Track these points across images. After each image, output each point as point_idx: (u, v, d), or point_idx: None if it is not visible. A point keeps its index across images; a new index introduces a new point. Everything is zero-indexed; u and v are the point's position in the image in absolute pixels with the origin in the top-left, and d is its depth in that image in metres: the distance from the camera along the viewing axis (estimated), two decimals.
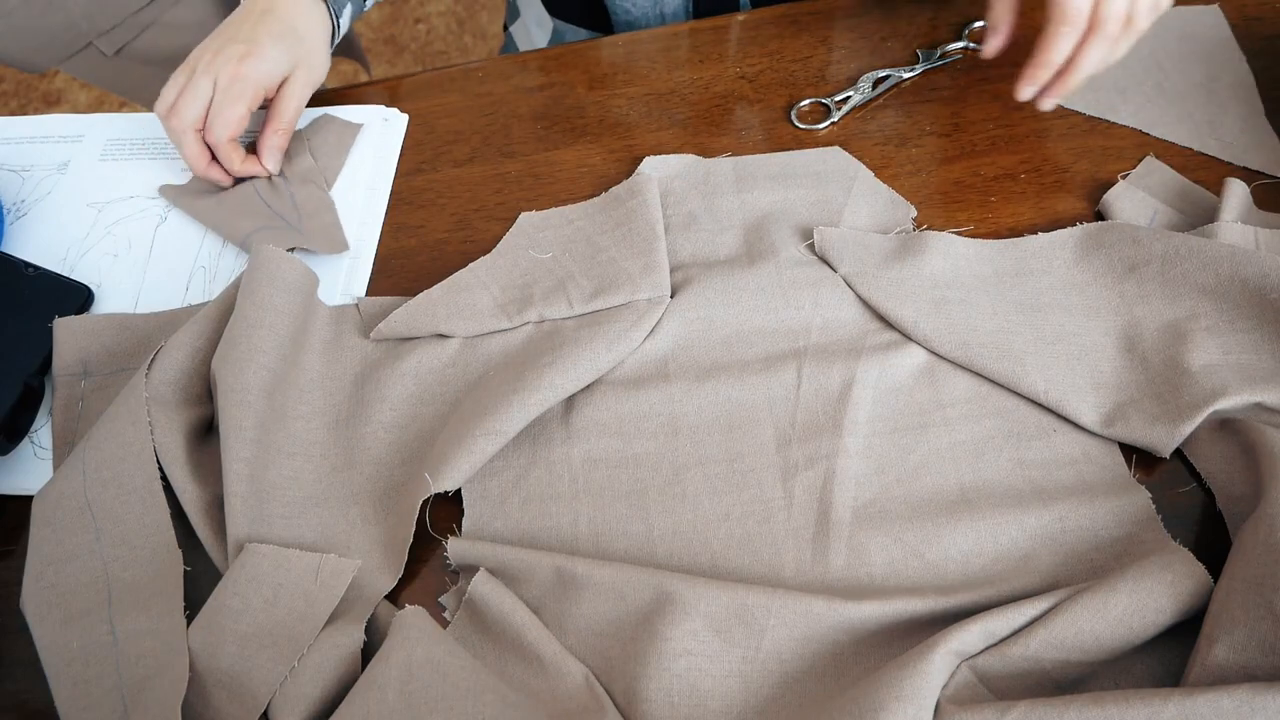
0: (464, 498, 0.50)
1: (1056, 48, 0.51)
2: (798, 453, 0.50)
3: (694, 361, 0.53)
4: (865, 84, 0.64)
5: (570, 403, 0.52)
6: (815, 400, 0.51)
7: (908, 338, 0.52)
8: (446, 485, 0.48)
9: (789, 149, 0.62)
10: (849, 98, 0.64)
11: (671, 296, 0.55)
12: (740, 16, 0.70)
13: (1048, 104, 0.55)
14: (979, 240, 0.55)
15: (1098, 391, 0.49)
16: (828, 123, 0.63)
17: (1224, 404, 0.46)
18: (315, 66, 0.61)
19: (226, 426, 0.48)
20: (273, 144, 0.60)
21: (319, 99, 0.69)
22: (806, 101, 0.65)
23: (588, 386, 0.52)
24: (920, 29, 0.67)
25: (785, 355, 0.53)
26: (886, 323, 0.53)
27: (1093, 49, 0.51)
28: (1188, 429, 0.46)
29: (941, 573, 0.45)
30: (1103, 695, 0.37)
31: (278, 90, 0.60)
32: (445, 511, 0.50)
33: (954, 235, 0.55)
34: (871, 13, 0.68)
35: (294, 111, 0.60)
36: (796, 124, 0.63)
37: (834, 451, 0.49)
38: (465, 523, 0.50)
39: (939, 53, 0.65)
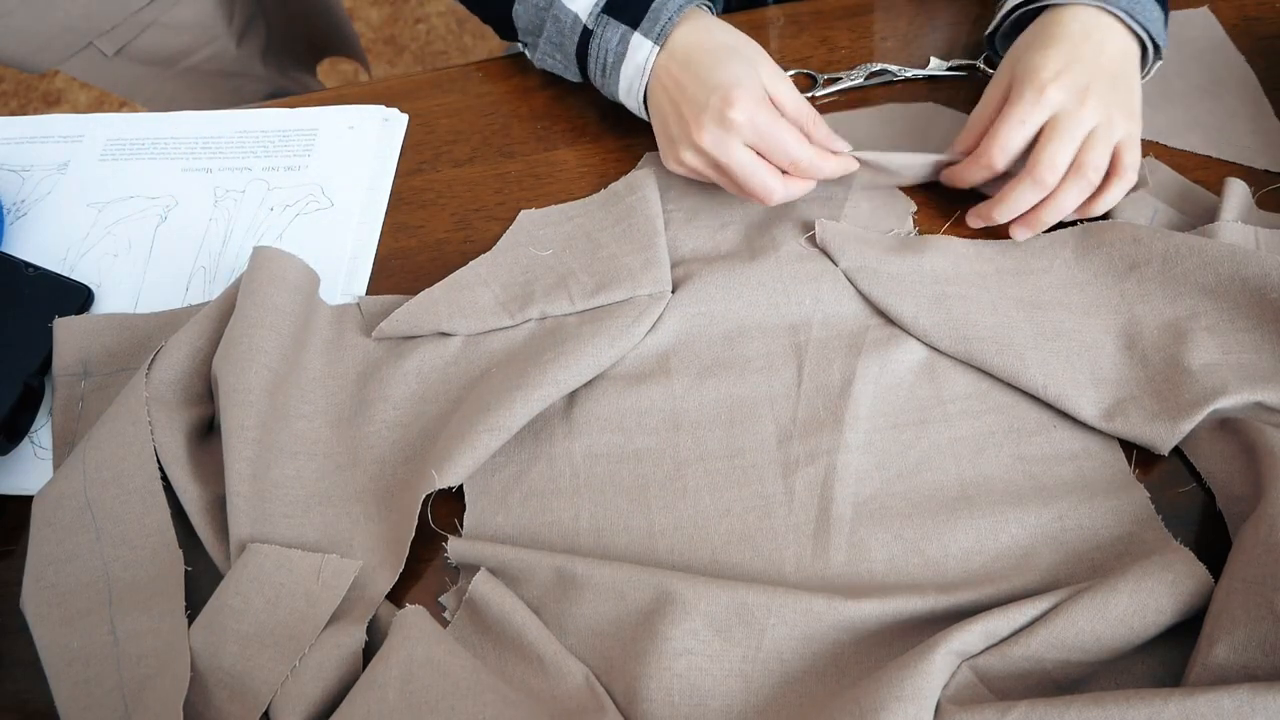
0: (466, 494, 0.50)
1: (1020, 200, 0.52)
2: (799, 448, 0.50)
3: (695, 357, 0.53)
4: (859, 74, 0.64)
5: (572, 398, 0.53)
6: (816, 396, 0.51)
7: (908, 333, 0.52)
8: (449, 481, 0.48)
9: None
10: (839, 79, 0.64)
11: (673, 292, 0.55)
12: (741, 16, 0.70)
13: (1021, 235, 0.55)
14: (980, 240, 0.55)
15: (1098, 387, 0.49)
16: (809, 94, 0.63)
17: (1224, 403, 0.46)
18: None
19: (228, 426, 0.48)
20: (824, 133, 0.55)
21: (318, 99, 0.69)
22: (792, 72, 0.65)
23: (589, 382, 0.52)
24: (920, 29, 0.67)
25: (786, 350, 0.53)
26: (887, 318, 0.53)
27: (1068, 200, 0.52)
28: (1187, 427, 0.46)
29: (942, 570, 0.46)
30: (1103, 695, 0.38)
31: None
32: (447, 508, 0.50)
33: (954, 237, 0.55)
34: (874, 13, 0.68)
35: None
36: None
37: (835, 447, 0.49)
38: (467, 518, 0.50)
39: (951, 63, 0.64)
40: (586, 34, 0.56)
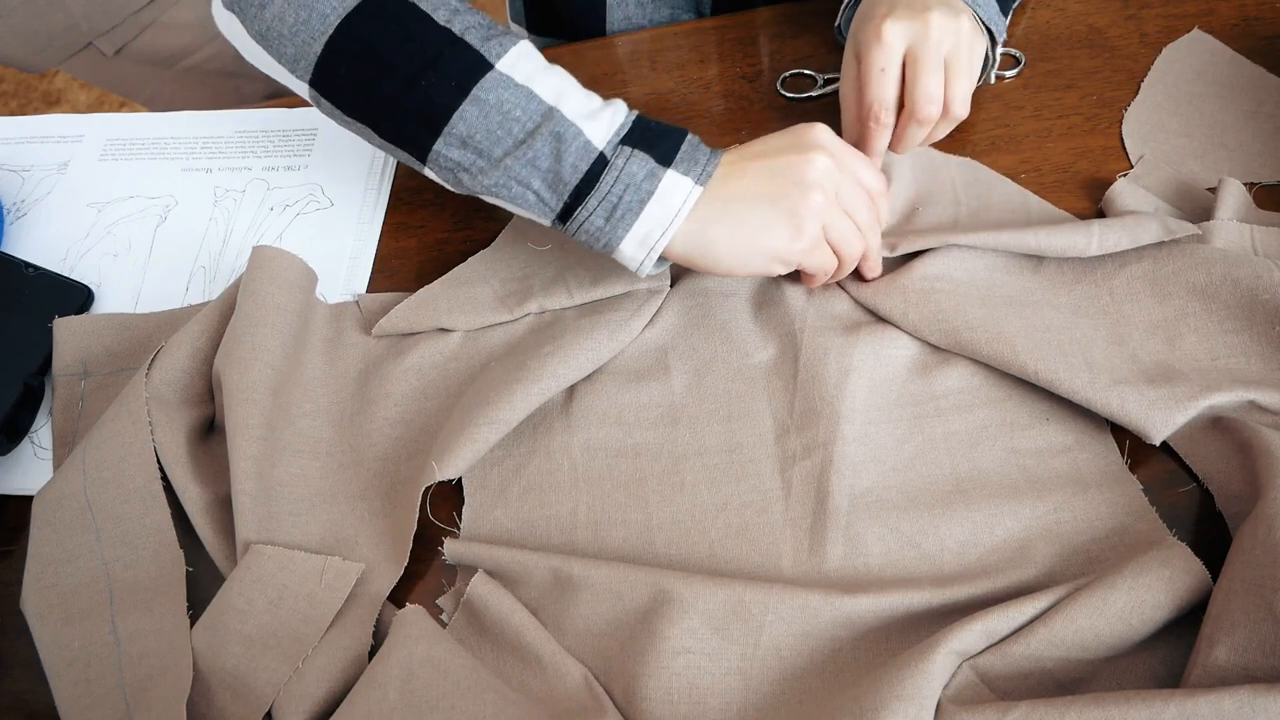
0: (465, 487, 0.50)
1: (910, 140, 0.54)
2: (796, 442, 0.50)
3: (693, 351, 0.53)
4: None
5: (571, 392, 0.53)
6: (813, 389, 0.51)
7: (899, 329, 0.52)
8: (449, 474, 0.48)
9: (784, 123, 0.62)
10: (839, 79, 0.64)
11: (671, 285, 0.55)
12: (741, 16, 0.70)
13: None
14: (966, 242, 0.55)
15: (1091, 370, 0.49)
16: (807, 94, 0.64)
17: (1218, 399, 0.46)
18: None
19: (233, 425, 0.48)
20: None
21: None
22: (791, 71, 0.65)
23: (588, 376, 0.53)
24: None
25: (784, 345, 0.53)
26: (878, 317, 0.53)
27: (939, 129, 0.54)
28: (1182, 418, 0.46)
29: (937, 563, 0.46)
30: (1104, 696, 0.38)
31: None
32: (447, 504, 0.50)
33: (940, 247, 0.55)
34: None
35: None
36: (783, 93, 0.65)
37: (831, 439, 0.49)
38: (466, 511, 0.50)
39: None
40: (600, 165, 0.46)
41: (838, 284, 0.55)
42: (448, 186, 0.50)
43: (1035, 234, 0.52)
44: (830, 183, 0.48)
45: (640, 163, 0.46)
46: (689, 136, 0.48)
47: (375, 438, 0.52)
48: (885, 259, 0.55)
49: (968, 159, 0.59)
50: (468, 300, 0.55)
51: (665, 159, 0.46)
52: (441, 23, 0.47)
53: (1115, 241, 0.52)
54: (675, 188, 0.46)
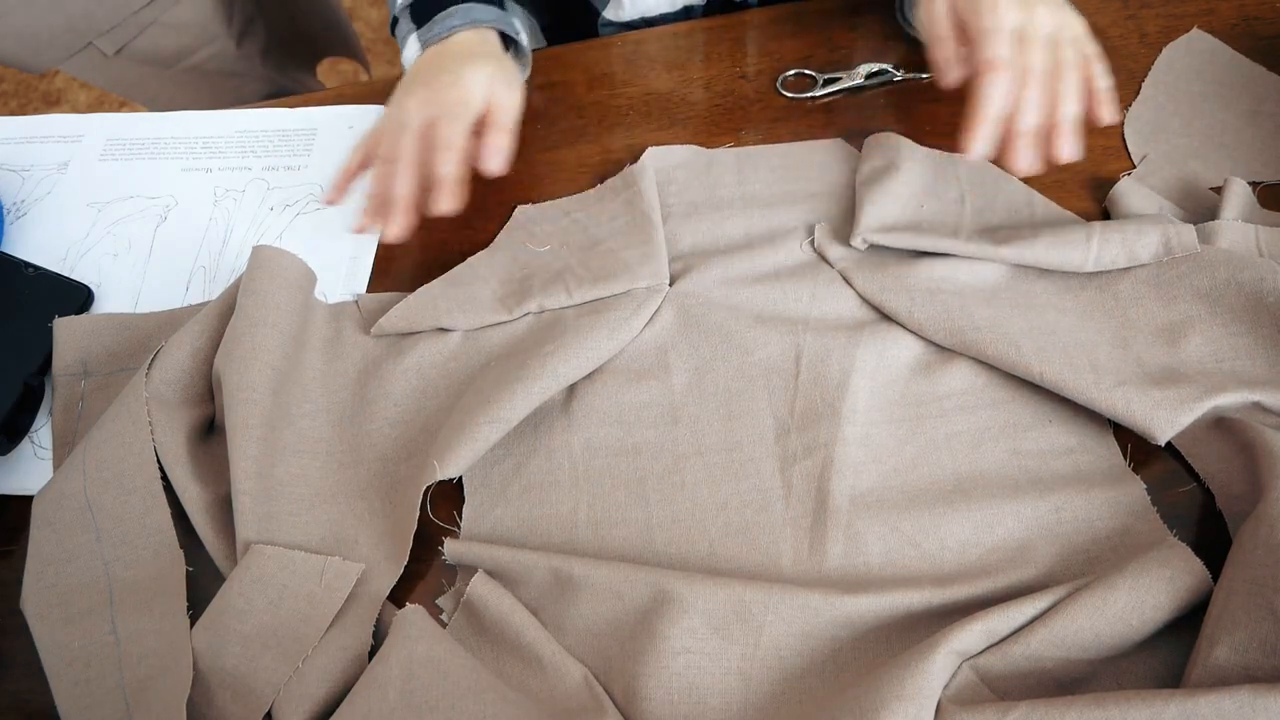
0: (465, 486, 0.50)
1: (990, 99, 0.50)
2: (796, 441, 0.50)
3: (693, 350, 0.53)
4: (859, 74, 0.64)
5: (571, 391, 0.53)
6: (814, 389, 0.51)
7: (903, 327, 0.52)
8: (450, 472, 0.48)
9: (784, 123, 0.63)
10: (838, 78, 0.64)
11: (671, 285, 0.55)
12: (741, 16, 0.70)
13: (1068, 152, 0.50)
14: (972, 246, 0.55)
15: (1096, 372, 0.49)
16: (808, 94, 0.64)
17: (1222, 400, 0.46)
18: (509, 72, 0.60)
19: (233, 424, 0.48)
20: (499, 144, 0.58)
21: (318, 100, 0.69)
22: (792, 72, 0.65)
23: (588, 376, 0.53)
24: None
25: (784, 344, 0.53)
26: (883, 314, 0.53)
27: (1070, 86, 0.50)
28: (1186, 419, 0.46)
29: (938, 563, 0.46)
30: (1104, 696, 0.38)
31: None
32: (447, 504, 0.50)
33: (946, 252, 0.55)
34: (874, 13, 0.68)
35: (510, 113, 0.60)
36: (783, 93, 0.65)
37: (832, 440, 0.49)
38: (466, 510, 0.50)
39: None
40: (394, 20, 0.65)
41: (844, 279, 0.55)
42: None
43: (1033, 250, 0.52)
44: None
45: (406, 25, 0.63)
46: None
47: (375, 438, 0.52)
48: (887, 255, 0.54)
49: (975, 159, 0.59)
50: (467, 300, 0.55)
51: (419, 25, 0.62)
52: None
53: (1112, 259, 0.52)
54: (411, 46, 0.62)
